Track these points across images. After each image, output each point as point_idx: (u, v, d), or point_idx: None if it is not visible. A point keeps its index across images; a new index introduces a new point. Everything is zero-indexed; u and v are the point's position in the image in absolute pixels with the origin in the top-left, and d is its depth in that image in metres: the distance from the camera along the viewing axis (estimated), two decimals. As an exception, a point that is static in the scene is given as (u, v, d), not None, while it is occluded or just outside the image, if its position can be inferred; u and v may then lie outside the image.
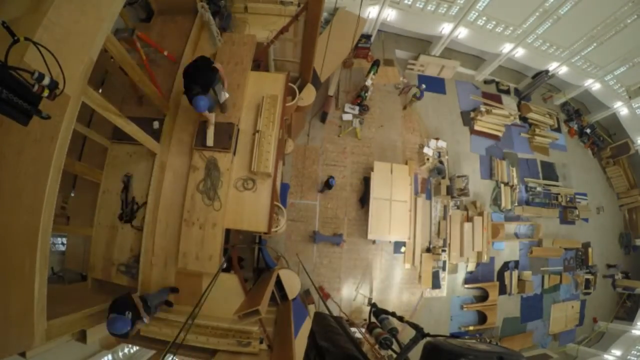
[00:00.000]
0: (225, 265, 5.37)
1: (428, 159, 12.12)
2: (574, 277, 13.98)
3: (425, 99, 13.65)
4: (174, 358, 3.33)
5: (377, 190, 10.82)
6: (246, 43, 6.22)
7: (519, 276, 12.87)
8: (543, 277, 13.36)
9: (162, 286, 5.29)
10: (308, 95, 7.44)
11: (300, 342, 5.23)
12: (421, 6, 11.76)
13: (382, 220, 10.67)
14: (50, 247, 3.17)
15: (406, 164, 11.68)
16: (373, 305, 2.53)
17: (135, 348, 6.36)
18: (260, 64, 7.06)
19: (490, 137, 13.96)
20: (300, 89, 7.25)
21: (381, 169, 11.10)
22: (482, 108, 13.61)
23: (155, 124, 5.56)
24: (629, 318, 14.06)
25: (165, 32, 6.47)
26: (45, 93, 2.34)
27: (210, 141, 5.36)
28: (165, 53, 5.91)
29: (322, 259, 10.85)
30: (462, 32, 12.52)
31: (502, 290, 12.54)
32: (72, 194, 6.46)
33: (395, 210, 10.81)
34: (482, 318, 12.05)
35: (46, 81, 2.32)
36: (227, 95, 5.16)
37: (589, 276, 14.05)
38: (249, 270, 8.09)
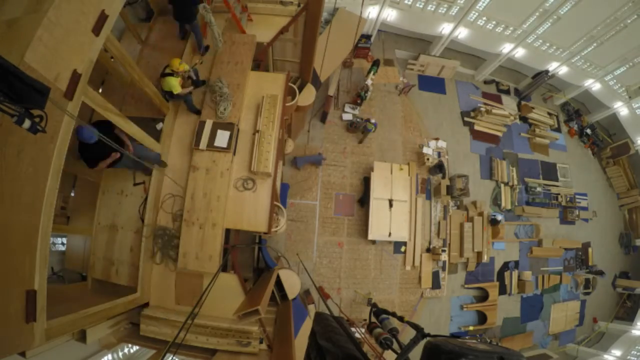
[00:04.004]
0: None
1: (428, 159, 12.12)
2: (573, 277, 13.98)
3: (425, 99, 13.68)
4: (174, 358, 3.33)
5: (377, 190, 10.82)
6: (246, 43, 6.22)
7: (519, 276, 12.87)
8: (537, 278, 13.31)
9: (162, 287, 5.31)
10: (308, 95, 7.44)
11: (300, 342, 5.23)
12: (421, 6, 11.76)
13: (382, 220, 10.67)
14: (50, 247, 3.17)
15: (407, 164, 11.66)
16: (373, 305, 2.52)
17: (135, 348, 6.35)
18: (260, 63, 7.06)
19: (490, 137, 13.95)
20: (300, 88, 7.25)
21: (381, 169, 11.10)
22: (482, 108, 13.61)
23: (159, 125, 5.57)
24: (629, 318, 14.06)
25: (165, 32, 6.48)
26: (26, 125, 2.26)
27: (204, 143, 5.41)
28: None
29: (322, 259, 10.85)
30: (462, 32, 12.52)
31: (502, 290, 12.54)
32: (72, 194, 6.46)
33: (396, 210, 10.81)
34: (482, 318, 12.05)
35: (26, 125, 2.20)
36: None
37: (589, 276, 14.05)
38: (249, 270, 8.10)
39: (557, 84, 15.64)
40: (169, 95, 5.34)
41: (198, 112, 5.82)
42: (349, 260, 11.04)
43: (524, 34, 12.43)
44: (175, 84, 5.18)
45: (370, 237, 10.57)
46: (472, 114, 13.86)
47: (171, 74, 5.18)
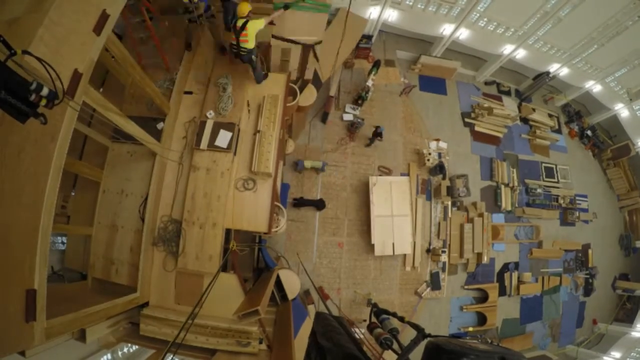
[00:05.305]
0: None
1: (428, 160, 12.10)
2: (573, 278, 13.96)
3: (426, 100, 13.68)
4: (174, 357, 3.33)
5: (378, 207, 10.73)
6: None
7: (518, 277, 12.85)
8: (537, 279, 13.27)
9: (162, 287, 5.31)
10: (309, 96, 7.43)
11: (299, 342, 5.22)
12: (422, 7, 11.76)
13: (386, 238, 10.68)
14: (50, 246, 3.17)
15: (408, 166, 11.64)
16: (374, 305, 2.52)
17: (134, 347, 6.35)
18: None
19: (490, 138, 13.94)
20: (301, 89, 7.25)
21: (380, 185, 10.98)
22: (482, 110, 13.62)
23: (160, 125, 5.57)
24: (629, 320, 14.04)
25: (166, 32, 6.47)
26: (43, 102, 2.32)
27: (205, 143, 5.40)
28: (166, 23, 5.94)
29: (322, 259, 10.84)
30: (463, 33, 12.52)
31: (502, 291, 12.53)
32: (73, 194, 6.45)
33: (398, 225, 10.78)
34: (481, 319, 12.03)
35: (44, 92, 2.29)
36: None
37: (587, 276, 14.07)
38: (249, 270, 8.09)
39: (558, 85, 15.63)
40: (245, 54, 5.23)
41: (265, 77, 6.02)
42: (349, 261, 11.04)
43: (525, 35, 12.43)
44: (252, 37, 5.02)
45: (377, 253, 10.65)
46: (473, 107, 13.80)
47: (246, 21, 4.96)
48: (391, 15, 11.95)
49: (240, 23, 5.00)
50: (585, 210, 14.80)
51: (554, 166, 14.71)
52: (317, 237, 10.95)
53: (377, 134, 11.30)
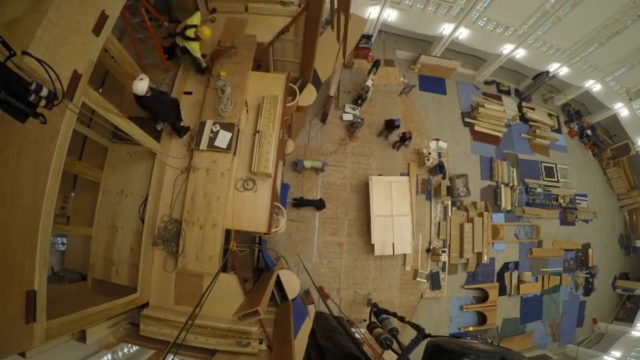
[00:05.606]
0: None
1: (428, 159, 12.10)
2: (573, 278, 13.96)
3: (426, 100, 13.68)
4: (174, 358, 3.33)
5: (378, 207, 10.71)
6: (247, 43, 6.22)
7: (519, 277, 12.85)
8: (537, 279, 13.27)
9: (162, 288, 5.30)
10: (308, 96, 7.43)
11: (299, 343, 5.22)
12: (422, 7, 11.77)
13: (386, 237, 10.65)
14: (50, 247, 3.16)
15: (408, 166, 11.64)
16: (374, 305, 2.51)
17: (134, 348, 6.34)
18: (260, 64, 7.06)
19: (490, 137, 13.94)
20: (301, 89, 7.25)
21: (379, 184, 10.94)
22: (481, 110, 13.63)
23: (159, 125, 5.56)
24: (629, 319, 14.05)
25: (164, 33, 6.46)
26: (43, 103, 2.33)
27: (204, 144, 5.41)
28: (166, 24, 5.93)
29: (322, 259, 10.84)
30: (463, 33, 12.52)
31: (502, 291, 12.53)
32: (72, 194, 6.45)
33: (398, 225, 10.75)
34: (481, 319, 12.03)
35: (44, 93, 2.31)
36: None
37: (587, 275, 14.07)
38: (249, 271, 8.09)
39: (558, 84, 15.63)
40: (180, 51, 5.69)
41: (204, 71, 6.03)
42: (349, 261, 11.04)
43: (525, 34, 12.44)
44: (198, 49, 5.59)
45: (377, 253, 10.63)
46: (473, 107, 13.82)
47: (194, 39, 5.42)
48: (390, 15, 11.96)
49: (190, 34, 5.42)
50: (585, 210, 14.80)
51: (553, 166, 14.70)
52: (317, 237, 10.95)
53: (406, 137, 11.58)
